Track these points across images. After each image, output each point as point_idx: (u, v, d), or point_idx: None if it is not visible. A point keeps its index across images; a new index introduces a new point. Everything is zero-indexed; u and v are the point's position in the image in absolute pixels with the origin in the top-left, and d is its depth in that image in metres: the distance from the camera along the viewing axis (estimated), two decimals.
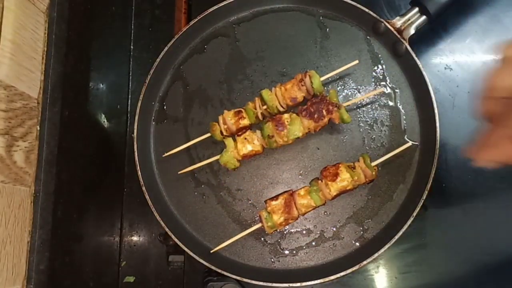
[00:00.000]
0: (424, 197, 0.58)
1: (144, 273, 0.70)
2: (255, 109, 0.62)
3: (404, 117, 0.64)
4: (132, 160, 0.64)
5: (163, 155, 0.65)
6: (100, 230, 0.66)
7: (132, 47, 0.77)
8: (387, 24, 0.64)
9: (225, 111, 0.63)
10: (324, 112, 0.60)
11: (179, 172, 0.64)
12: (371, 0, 0.71)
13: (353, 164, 0.59)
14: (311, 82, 0.61)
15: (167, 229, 0.60)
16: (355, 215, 0.62)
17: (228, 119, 0.62)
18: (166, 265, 0.69)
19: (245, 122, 0.62)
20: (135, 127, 0.64)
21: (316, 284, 0.58)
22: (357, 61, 0.63)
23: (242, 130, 0.63)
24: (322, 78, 0.62)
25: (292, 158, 0.64)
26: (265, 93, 0.62)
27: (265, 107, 0.62)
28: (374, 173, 0.59)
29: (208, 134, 0.63)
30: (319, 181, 0.60)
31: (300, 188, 0.60)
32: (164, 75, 0.69)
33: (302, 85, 0.62)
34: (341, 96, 0.65)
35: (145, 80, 0.65)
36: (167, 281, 0.69)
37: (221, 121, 0.62)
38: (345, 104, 0.61)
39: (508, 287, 0.63)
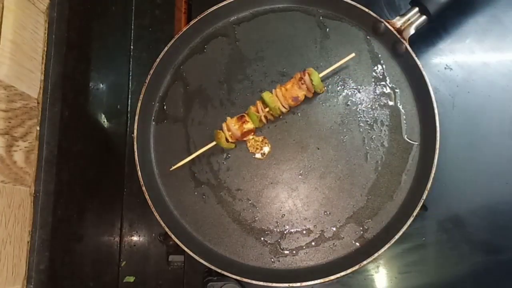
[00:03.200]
0: (424, 197, 0.58)
1: (144, 273, 0.70)
2: (258, 112, 0.62)
3: (404, 117, 0.64)
4: (132, 160, 0.64)
5: (170, 169, 0.64)
6: (100, 230, 0.66)
7: (132, 47, 0.77)
8: (387, 24, 0.64)
9: (228, 118, 0.63)
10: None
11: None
12: (371, 0, 0.71)
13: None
14: (311, 79, 0.61)
15: (167, 229, 0.60)
16: (355, 215, 0.62)
17: (232, 125, 0.62)
18: (166, 265, 0.69)
19: (249, 126, 0.62)
20: (135, 127, 0.64)
21: (316, 284, 0.58)
22: (353, 54, 0.63)
23: (247, 134, 0.63)
24: (321, 75, 0.62)
25: (292, 158, 0.64)
26: (266, 95, 0.62)
27: (267, 109, 0.62)
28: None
29: (214, 143, 0.63)
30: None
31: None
32: (164, 75, 0.69)
33: (302, 84, 0.62)
34: (341, 96, 0.65)
35: (145, 80, 0.65)
36: (167, 281, 0.69)
37: (225, 128, 0.62)
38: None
39: (508, 287, 0.63)
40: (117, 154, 0.72)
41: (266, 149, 0.65)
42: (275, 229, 0.62)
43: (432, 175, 0.58)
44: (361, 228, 0.61)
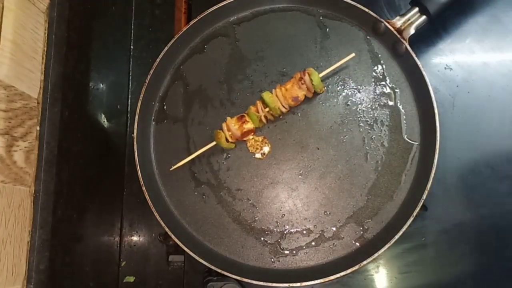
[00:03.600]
0: (424, 197, 0.58)
1: (144, 273, 0.70)
2: (258, 112, 0.62)
3: (404, 117, 0.64)
4: (132, 160, 0.64)
5: (170, 169, 0.65)
6: (100, 230, 0.66)
7: (132, 47, 0.77)
8: (387, 24, 0.64)
9: (228, 118, 0.63)
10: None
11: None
12: (371, 0, 0.71)
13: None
14: (311, 79, 0.61)
15: (167, 229, 0.60)
16: (355, 215, 0.62)
17: (232, 125, 0.62)
18: (166, 265, 0.69)
19: (249, 126, 0.62)
20: (135, 127, 0.64)
21: (316, 284, 0.58)
22: (353, 54, 0.63)
23: (247, 134, 0.63)
24: (321, 75, 0.62)
25: (292, 158, 0.64)
26: (266, 95, 0.62)
27: (267, 109, 0.62)
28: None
29: (214, 143, 0.63)
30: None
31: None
32: (164, 75, 0.69)
33: (302, 84, 0.62)
34: (341, 96, 0.65)
35: (145, 80, 0.65)
36: (167, 281, 0.69)
37: (225, 128, 0.62)
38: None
39: (508, 287, 0.63)
40: (117, 154, 0.72)
41: (266, 149, 0.65)
42: (275, 229, 0.62)
43: (432, 175, 0.58)
44: (361, 228, 0.61)
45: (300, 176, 0.64)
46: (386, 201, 0.62)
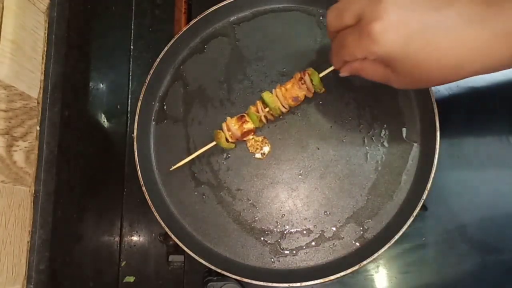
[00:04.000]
0: (424, 197, 0.58)
1: (144, 273, 0.70)
2: (258, 112, 0.62)
3: (404, 117, 0.64)
4: (132, 160, 0.64)
5: (170, 169, 0.65)
6: (100, 230, 0.66)
7: (132, 47, 0.77)
8: None
9: (228, 118, 0.63)
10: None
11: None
12: None
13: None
14: (311, 79, 0.61)
15: (167, 229, 0.60)
16: (355, 215, 0.62)
17: (232, 125, 0.62)
18: (166, 265, 0.69)
19: (249, 126, 0.62)
20: (135, 127, 0.64)
21: (316, 284, 0.58)
22: None
23: (247, 134, 0.63)
24: (321, 75, 0.62)
25: (292, 158, 0.64)
26: (266, 95, 0.62)
27: (267, 109, 0.62)
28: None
29: (214, 143, 0.63)
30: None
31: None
32: (164, 75, 0.69)
33: (302, 84, 0.62)
34: (341, 96, 0.65)
35: (145, 80, 0.65)
36: (167, 281, 0.69)
37: (225, 128, 0.62)
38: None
39: (509, 287, 0.63)
40: (117, 154, 0.72)
41: (266, 149, 0.65)
42: (275, 229, 0.62)
43: (432, 175, 0.58)
44: (361, 228, 0.61)
45: (300, 176, 0.64)
46: (386, 201, 0.62)
